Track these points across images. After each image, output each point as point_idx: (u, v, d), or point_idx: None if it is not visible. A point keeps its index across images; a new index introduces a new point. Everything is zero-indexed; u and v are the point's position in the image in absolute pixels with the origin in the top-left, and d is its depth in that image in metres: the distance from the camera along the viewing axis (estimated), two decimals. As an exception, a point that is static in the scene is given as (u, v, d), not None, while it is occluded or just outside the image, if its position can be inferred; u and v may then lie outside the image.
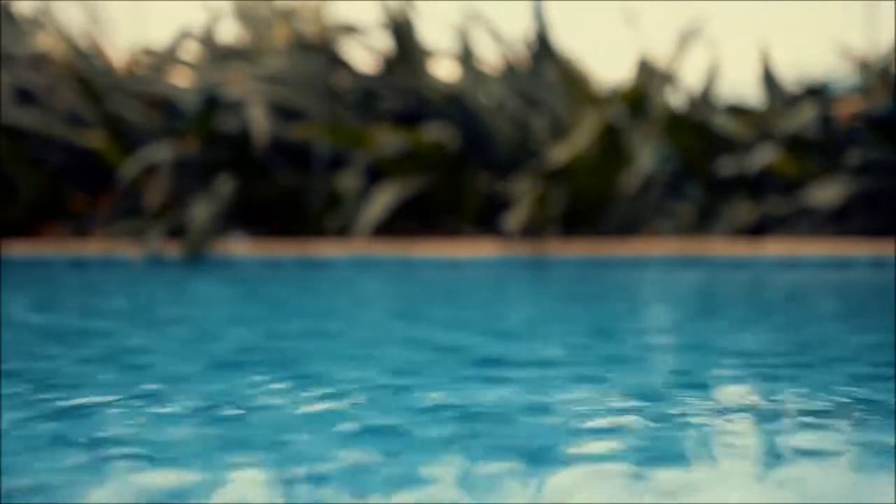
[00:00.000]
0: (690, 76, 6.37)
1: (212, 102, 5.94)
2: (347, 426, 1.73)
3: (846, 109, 6.18)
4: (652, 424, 1.74)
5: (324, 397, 1.98)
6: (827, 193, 5.73)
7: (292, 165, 6.05)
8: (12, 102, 6.01)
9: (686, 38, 6.17)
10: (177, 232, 5.63)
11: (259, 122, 5.68)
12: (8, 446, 1.58)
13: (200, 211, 5.54)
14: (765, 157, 5.82)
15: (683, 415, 1.84)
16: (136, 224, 5.74)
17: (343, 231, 5.77)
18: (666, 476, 1.46)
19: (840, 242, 5.59)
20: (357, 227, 5.60)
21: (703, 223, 5.91)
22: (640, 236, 5.80)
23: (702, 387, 2.16)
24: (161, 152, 5.82)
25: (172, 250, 5.52)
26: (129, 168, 5.76)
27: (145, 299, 4.24)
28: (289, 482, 1.42)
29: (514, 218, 5.47)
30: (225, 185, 5.75)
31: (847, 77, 6.47)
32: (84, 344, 2.82)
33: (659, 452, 1.57)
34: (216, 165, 5.95)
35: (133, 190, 5.96)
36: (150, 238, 5.53)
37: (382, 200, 5.61)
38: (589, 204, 5.88)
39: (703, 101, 6.20)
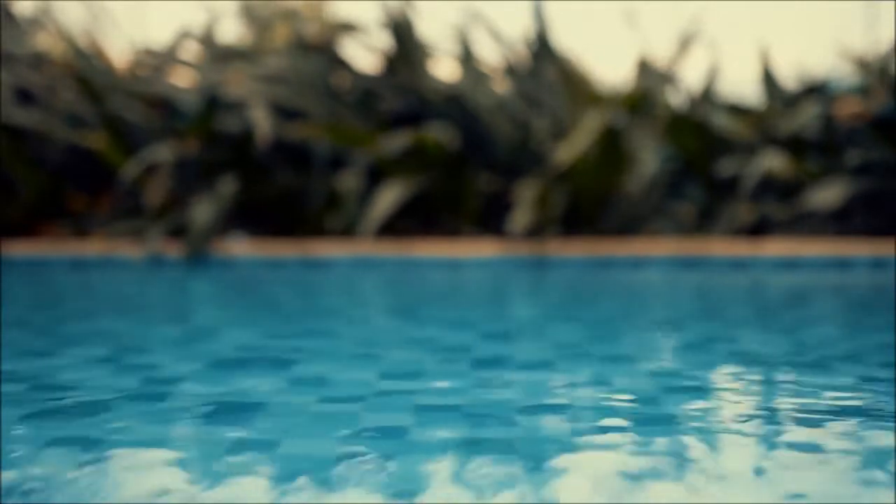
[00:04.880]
0: (690, 76, 6.37)
1: (212, 102, 5.94)
2: (348, 426, 1.73)
3: (846, 109, 6.18)
4: (651, 425, 1.74)
5: (325, 397, 1.97)
6: (827, 194, 5.73)
7: (293, 165, 6.05)
8: (12, 102, 6.01)
9: (685, 38, 6.17)
10: (177, 232, 5.63)
11: (261, 123, 5.68)
12: (8, 446, 1.58)
13: (202, 211, 5.53)
14: (766, 162, 5.82)
15: (682, 415, 1.84)
16: (136, 224, 5.74)
17: (344, 231, 5.77)
18: (666, 476, 1.46)
19: (840, 243, 5.59)
20: (361, 228, 5.60)
21: (703, 223, 5.91)
22: (641, 236, 5.80)
23: (702, 387, 2.16)
24: (162, 152, 5.82)
25: (173, 250, 5.52)
26: (130, 169, 5.76)
27: (146, 300, 4.24)
28: (290, 482, 1.42)
29: (519, 219, 5.47)
30: (226, 186, 5.74)
31: (847, 77, 6.46)
32: (84, 344, 2.82)
33: (658, 453, 1.57)
34: (217, 165, 5.95)
35: (133, 190, 5.96)
36: (150, 238, 5.52)
37: (385, 201, 5.61)
38: (589, 204, 5.88)
39: (704, 100, 6.20)
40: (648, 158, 5.81)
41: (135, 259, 5.49)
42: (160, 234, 5.57)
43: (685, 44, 6.16)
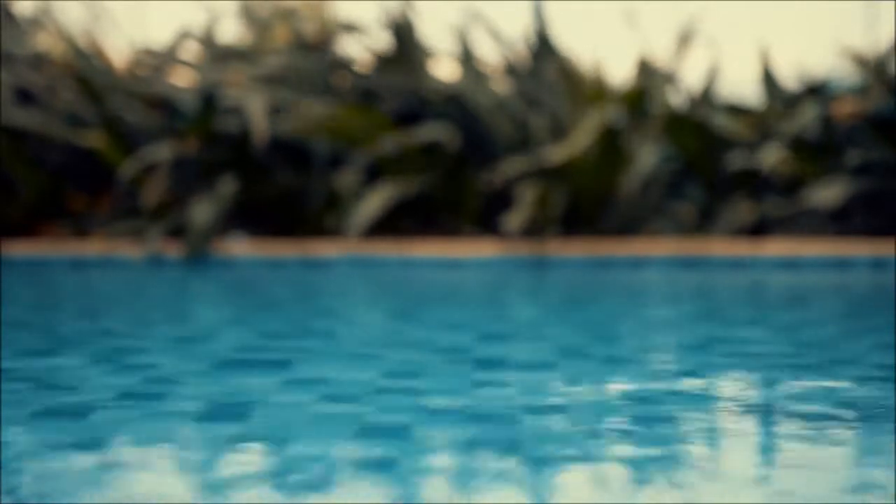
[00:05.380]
0: (690, 76, 6.36)
1: (211, 102, 5.93)
2: (347, 426, 1.73)
3: (846, 109, 6.17)
4: (652, 425, 1.73)
5: (324, 397, 1.97)
6: (827, 193, 5.73)
7: (292, 165, 6.05)
8: (12, 102, 6.00)
9: (685, 37, 6.16)
10: (177, 232, 5.62)
11: (258, 119, 5.68)
12: (8, 446, 1.58)
13: (201, 211, 5.53)
14: (765, 157, 5.82)
15: (682, 415, 1.84)
16: (135, 224, 5.74)
17: (341, 231, 5.77)
18: (666, 475, 1.46)
19: (840, 242, 5.59)
20: (349, 226, 5.59)
21: (703, 223, 5.91)
22: (640, 236, 5.80)
23: (702, 387, 2.16)
24: (160, 152, 5.82)
25: (172, 250, 5.52)
26: (128, 167, 5.76)
27: (144, 300, 4.24)
28: (289, 481, 1.41)
29: (514, 218, 5.47)
30: (226, 186, 5.74)
31: (847, 77, 6.46)
32: (84, 344, 2.82)
33: (657, 452, 1.56)
34: (216, 165, 5.94)
35: (133, 190, 5.96)
36: (149, 238, 5.52)
37: (376, 200, 5.61)
38: (589, 204, 5.88)
39: (704, 100, 6.19)
40: (646, 156, 5.80)
41: (134, 259, 5.49)
42: (160, 233, 5.57)
43: (684, 41, 6.14)
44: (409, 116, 6.13)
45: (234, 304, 4.10)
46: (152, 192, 5.79)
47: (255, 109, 5.72)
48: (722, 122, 6.11)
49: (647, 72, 6.17)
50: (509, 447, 1.59)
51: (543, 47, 6.28)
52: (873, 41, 6.46)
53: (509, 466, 1.50)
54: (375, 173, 5.91)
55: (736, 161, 5.95)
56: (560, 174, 5.77)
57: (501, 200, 5.91)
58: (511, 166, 5.81)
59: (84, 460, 1.53)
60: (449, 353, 2.56)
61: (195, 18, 6.56)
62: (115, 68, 6.44)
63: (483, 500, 1.35)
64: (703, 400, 2.03)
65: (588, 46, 6.49)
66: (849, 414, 1.85)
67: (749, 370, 2.36)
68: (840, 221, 5.84)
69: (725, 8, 6.94)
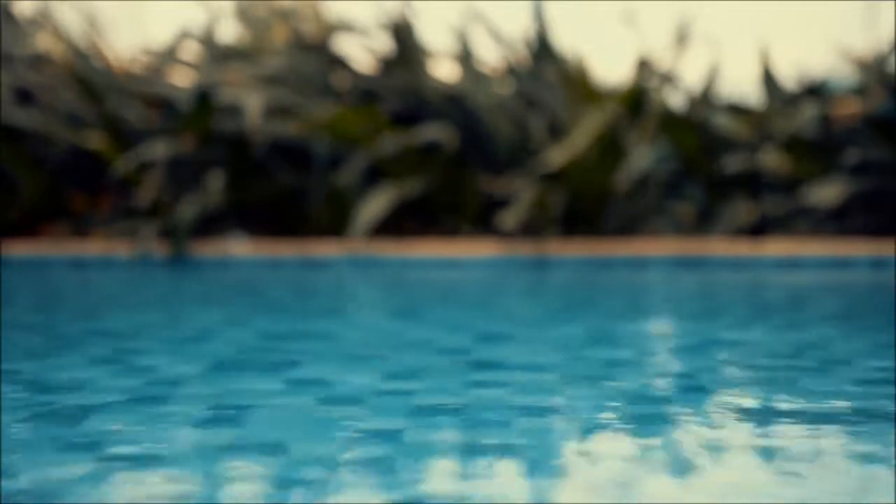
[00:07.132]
0: (690, 76, 6.37)
1: (208, 100, 5.93)
2: (347, 428, 1.73)
3: (845, 109, 6.17)
4: (652, 425, 1.74)
5: (324, 399, 1.97)
6: (826, 193, 5.73)
7: (292, 165, 6.05)
8: (12, 102, 6.00)
9: (681, 35, 6.15)
10: (170, 232, 5.63)
11: (253, 113, 5.68)
12: (8, 446, 1.58)
13: (185, 211, 5.54)
14: (764, 160, 5.82)
15: (683, 416, 1.84)
16: (133, 224, 5.74)
17: (343, 231, 5.77)
18: (666, 477, 1.46)
19: (840, 242, 5.59)
20: (353, 229, 5.59)
21: (702, 223, 5.91)
22: (640, 236, 5.80)
23: (702, 389, 2.16)
24: (156, 150, 5.82)
25: (164, 250, 5.52)
26: (122, 164, 5.76)
27: (138, 299, 4.24)
28: (289, 483, 1.42)
29: (510, 217, 5.47)
30: (213, 184, 5.74)
31: (847, 77, 6.46)
32: (77, 344, 2.82)
33: (658, 453, 1.57)
34: (214, 165, 5.94)
35: (132, 189, 5.96)
36: (142, 238, 5.53)
37: (380, 202, 5.60)
38: (589, 204, 5.88)
39: (703, 100, 6.19)
40: (643, 155, 5.80)
41: (131, 259, 5.49)
42: (151, 233, 5.57)
43: (681, 38, 6.14)
44: (409, 117, 6.14)
45: (223, 305, 4.10)
46: (147, 192, 5.80)
47: (251, 108, 5.72)
48: (721, 122, 6.11)
49: (647, 71, 6.17)
50: (507, 447, 1.59)
51: (543, 48, 6.28)
52: (873, 41, 6.46)
53: (508, 466, 1.50)
54: (375, 174, 5.91)
55: (733, 166, 5.95)
56: (560, 174, 5.77)
57: (501, 200, 5.91)
58: (515, 176, 5.82)
59: (83, 461, 1.54)
60: (448, 354, 2.56)
61: (194, 18, 6.57)
62: (114, 68, 6.44)
63: (483, 500, 1.35)
64: (702, 400, 2.03)
65: (588, 46, 6.49)
66: (848, 414, 1.85)
67: (748, 370, 2.36)
68: (839, 221, 5.85)
69: (725, 8, 6.94)
